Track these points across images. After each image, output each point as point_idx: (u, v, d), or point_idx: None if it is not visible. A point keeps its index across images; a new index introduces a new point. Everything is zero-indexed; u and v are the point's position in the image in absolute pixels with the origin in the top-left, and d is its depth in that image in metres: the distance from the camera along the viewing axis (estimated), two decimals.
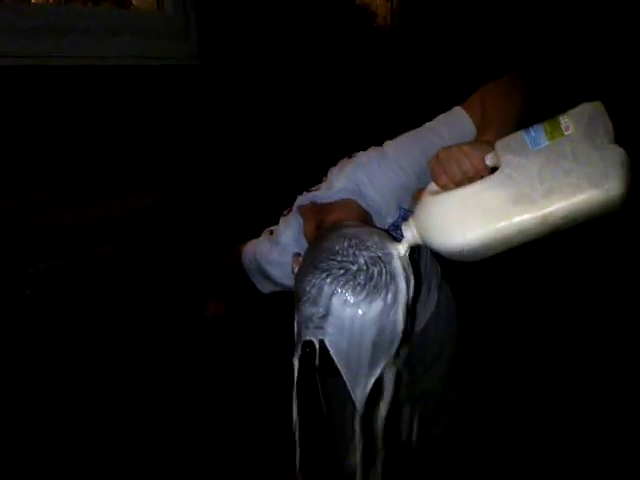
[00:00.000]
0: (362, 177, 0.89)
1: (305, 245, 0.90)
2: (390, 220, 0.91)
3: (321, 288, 0.66)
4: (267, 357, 1.77)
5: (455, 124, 0.89)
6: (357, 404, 0.69)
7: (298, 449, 0.73)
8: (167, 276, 1.87)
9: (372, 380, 0.68)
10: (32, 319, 1.52)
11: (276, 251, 0.98)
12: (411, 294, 0.68)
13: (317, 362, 0.67)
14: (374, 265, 0.66)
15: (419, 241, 0.73)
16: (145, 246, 1.79)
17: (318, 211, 0.90)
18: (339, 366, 0.67)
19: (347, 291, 0.65)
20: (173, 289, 1.89)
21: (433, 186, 0.75)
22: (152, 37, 1.74)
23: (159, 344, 1.86)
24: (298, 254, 0.78)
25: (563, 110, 0.68)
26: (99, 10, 1.63)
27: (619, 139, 0.64)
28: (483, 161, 0.71)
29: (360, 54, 2.51)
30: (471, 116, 0.88)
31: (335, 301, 0.65)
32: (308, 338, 0.67)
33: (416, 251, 1.02)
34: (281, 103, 2.14)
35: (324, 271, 0.66)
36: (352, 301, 0.64)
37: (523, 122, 0.77)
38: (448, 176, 0.72)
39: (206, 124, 1.92)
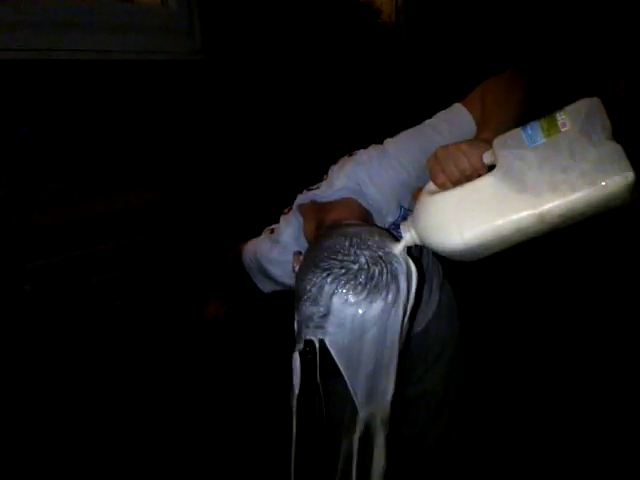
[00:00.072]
0: (363, 176, 0.88)
1: (305, 244, 0.89)
2: (391, 219, 0.90)
3: (322, 287, 0.65)
4: (267, 356, 1.76)
5: (455, 121, 0.88)
6: (357, 404, 0.69)
7: (293, 448, 0.72)
8: (168, 273, 1.87)
9: (392, 381, 0.68)
10: (32, 315, 1.52)
11: (277, 250, 0.97)
12: (413, 293, 0.68)
13: (317, 362, 0.67)
14: (375, 264, 0.65)
15: (418, 241, 0.72)
16: (146, 242, 1.79)
17: (318, 210, 0.89)
18: (339, 366, 0.66)
19: (348, 290, 0.64)
20: (174, 286, 1.88)
21: (431, 185, 0.75)
22: (155, 32, 1.73)
23: (160, 341, 1.85)
24: (299, 253, 0.77)
25: (565, 105, 0.67)
26: (102, 4, 1.62)
27: (621, 136, 0.62)
28: (481, 159, 0.71)
29: (364, 51, 2.50)
30: (471, 113, 0.87)
31: (336, 300, 0.64)
32: (308, 337, 0.67)
33: (418, 250, 1.02)
34: (284, 99, 2.14)
35: (325, 270, 0.66)
36: (353, 300, 0.64)
37: (525, 117, 0.76)
38: (446, 175, 0.72)
39: (209, 120, 1.92)
